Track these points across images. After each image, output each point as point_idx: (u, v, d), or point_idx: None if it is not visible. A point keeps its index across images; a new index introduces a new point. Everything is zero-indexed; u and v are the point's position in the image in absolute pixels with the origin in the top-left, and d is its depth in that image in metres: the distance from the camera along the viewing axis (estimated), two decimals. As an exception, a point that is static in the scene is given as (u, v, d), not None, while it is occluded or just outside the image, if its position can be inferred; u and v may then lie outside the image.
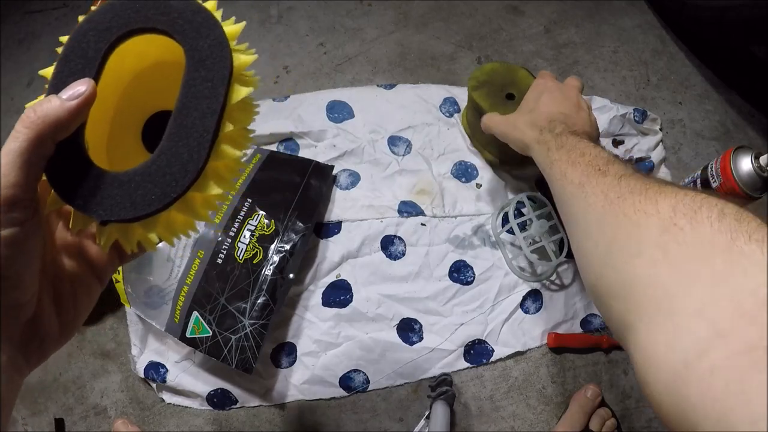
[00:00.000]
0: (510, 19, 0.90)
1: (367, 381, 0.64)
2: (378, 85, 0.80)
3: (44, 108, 0.23)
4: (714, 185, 0.57)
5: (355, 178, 0.72)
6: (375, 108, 0.77)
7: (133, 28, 0.26)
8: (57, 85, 0.26)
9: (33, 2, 0.99)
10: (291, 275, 0.63)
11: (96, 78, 0.26)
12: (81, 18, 0.27)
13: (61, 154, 0.25)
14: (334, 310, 0.66)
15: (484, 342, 0.65)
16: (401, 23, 0.90)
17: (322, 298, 0.66)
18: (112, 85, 0.29)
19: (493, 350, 0.65)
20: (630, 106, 0.79)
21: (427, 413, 0.60)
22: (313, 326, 0.65)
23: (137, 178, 0.24)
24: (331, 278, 0.67)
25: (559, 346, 0.65)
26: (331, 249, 0.68)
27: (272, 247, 0.63)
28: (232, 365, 0.59)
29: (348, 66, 0.86)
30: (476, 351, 0.65)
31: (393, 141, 0.75)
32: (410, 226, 0.69)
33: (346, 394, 0.64)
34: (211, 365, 0.64)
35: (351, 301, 0.66)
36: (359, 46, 0.88)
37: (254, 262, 0.62)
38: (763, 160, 0.54)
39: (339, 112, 0.76)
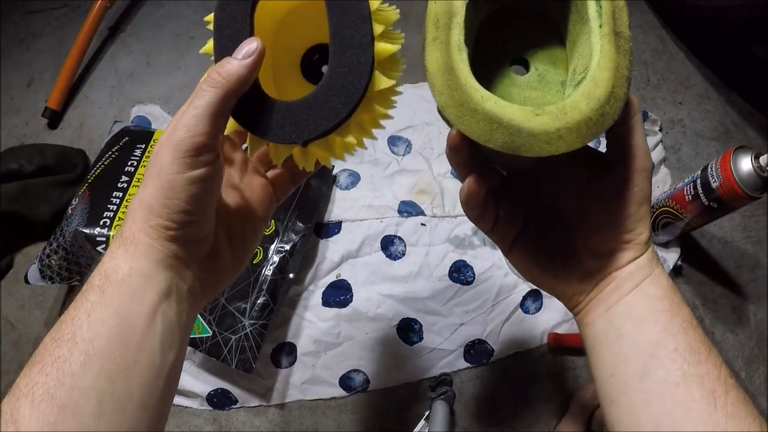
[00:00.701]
0: (510, 19, 0.90)
1: (367, 381, 0.64)
2: (378, 85, 0.80)
3: (227, 68, 0.26)
4: (714, 185, 0.57)
5: (355, 178, 0.72)
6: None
7: None
8: (221, 52, 0.29)
9: (33, 2, 0.99)
10: (291, 275, 0.63)
11: (251, 34, 0.29)
12: None
13: (245, 97, 0.28)
14: (334, 310, 0.66)
15: (484, 342, 0.65)
16: (401, 23, 0.90)
17: (322, 298, 0.66)
18: (265, 30, 0.31)
19: (493, 350, 0.65)
20: (630, 106, 0.79)
21: (427, 413, 0.60)
22: (313, 326, 0.65)
23: (312, 103, 0.28)
24: (331, 278, 0.67)
25: (559, 346, 0.65)
26: (331, 249, 0.68)
27: (272, 247, 0.63)
28: (232, 365, 0.59)
29: None
30: (476, 351, 0.65)
31: (393, 141, 0.75)
32: (410, 226, 0.69)
33: (346, 394, 0.64)
34: (211, 365, 0.64)
35: (351, 301, 0.66)
36: (359, 46, 0.88)
37: (254, 262, 0.62)
38: (763, 160, 0.54)
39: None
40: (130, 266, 0.26)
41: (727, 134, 0.81)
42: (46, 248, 0.64)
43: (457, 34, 0.28)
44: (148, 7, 0.97)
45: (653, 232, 0.69)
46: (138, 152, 0.69)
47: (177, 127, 0.26)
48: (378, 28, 0.29)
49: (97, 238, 0.61)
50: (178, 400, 0.65)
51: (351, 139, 0.29)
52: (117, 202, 0.64)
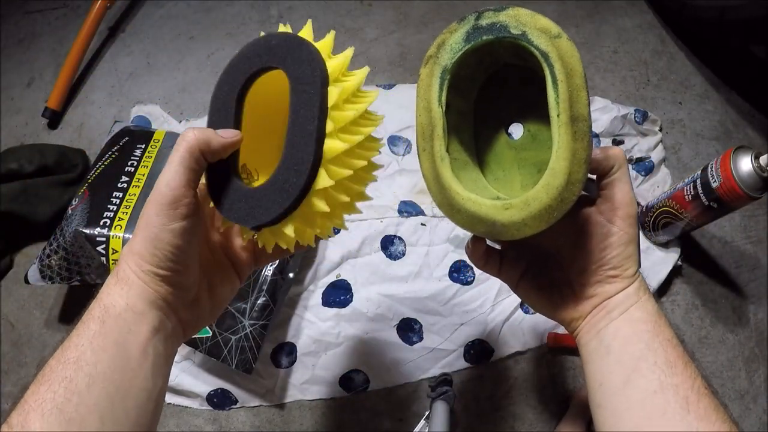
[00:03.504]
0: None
1: (367, 381, 0.64)
2: (378, 85, 0.80)
3: (201, 134, 0.30)
4: (714, 185, 0.57)
5: (355, 178, 0.72)
6: (375, 108, 0.76)
7: (254, 71, 0.32)
8: (210, 125, 0.33)
9: (33, 2, 0.99)
10: (291, 275, 0.63)
11: (237, 122, 0.33)
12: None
13: (216, 173, 0.32)
14: (334, 310, 0.66)
15: (484, 342, 0.65)
16: (401, 23, 0.90)
17: (322, 298, 0.66)
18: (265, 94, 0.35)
19: (493, 350, 0.65)
20: (631, 106, 0.79)
21: (427, 413, 0.60)
22: (313, 326, 0.65)
23: (263, 193, 0.30)
24: (331, 278, 0.67)
25: (559, 346, 0.65)
26: (331, 249, 0.68)
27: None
28: (232, 365, 0.59)
29: (348, 66, 0.86)
30: (476, 351, 0.65)
31: (393, 141, 0.75)
32: (410, 226, 0.69)
33: (346, 394, 0.64)
34: (211, 365, 0.64)
35: (351, 301, 0.66)
36: (359, 46, 0.88)
37: (254, 262, 0.62)
38: (763, 160, 0.54)
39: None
40: (126, 303, 0.29)
41: (727, 134, 0.81)
42: (46, 248, 0.64)
43: (438, 145, 0.33)
44: (148, 7, 0.97)
45: (653, 232, 0.69)
46: (138, 152, 0.69)
47: (158, 185, 0.29)
48: (330, 126, 0.29)
49: (97, 238, 0.61)
50: (178, 400, 0.65)
51: (290, 232, 0.30)
52: (117, 203, 0.64)
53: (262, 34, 0.34)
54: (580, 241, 0.35)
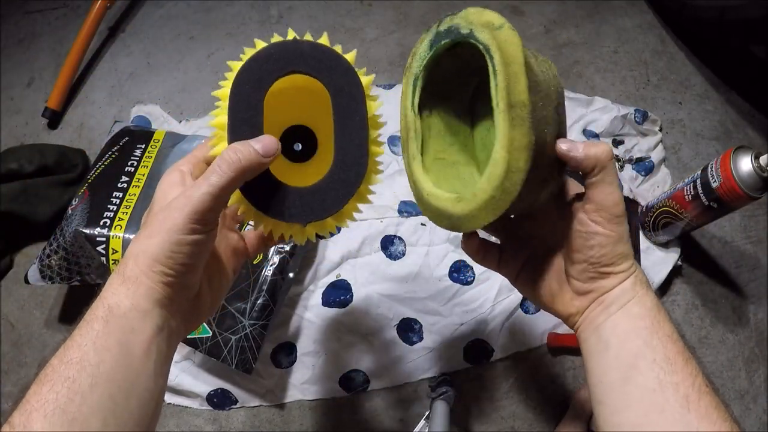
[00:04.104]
0: (510, 19, 0.90)
1: (367, 381, 0.64)
2: (378, 85, 0.80)
3: (246, 155, 0.30)
4: (714, 185, 0.57)
5: (355, 178, 0.72)
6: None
7: (283, 73, 0.34)
8: (236, 131, 0.33)
9: (33, 2, 0.99)
10: (291, 275, 0.63)
11: (261, 123, 0.34)
12: (234, 70, 0.34)
13: (256, 177, 0.33)
14: (334, 310, 0.66)
15: (484, 342, 0.65)
16: (401, 23, 0.90)
17: (322, 298, 0.66)
18: None
19: (493, 350, 0.65)
20: (631, 106, 0.79)
21: (427, 413, 0.60)
22: (313, 326, 0.65)
23: (319, 191, 0.34)
24: (331, 278, 0.67)
25: (559, 346, 0.65)
26: (331, 249, 0.68)
27: (272, 247, 0.63)
28: (232, 365, 0.59)
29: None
30: (476, 351, 0.65)
31: (393, 141, 0.75)
32: (410, 226, 0.69)
33: (346, 394, 0.64)
34: (211, 365, 0.64)
35: (351, 301, 0.66)
36: (359, 46, 0.88)
37: (254, 262, 0.62)
38: (763, 160, 0.54)
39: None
40: (131, 303, 0.30)
41: (727, 134, 0.81)
42: (46, 248, 0.64)
43: (413, 147, 0.37)
44: (148, 7, 0.97)
45: (653, 232, 0.69)
46: (138, 152, 0.69)
47: (192, 198, 0.30)
48: (373, 134, 0.35)
49: (97, 238, 0.61)
50: (178, 400, 0.65)
51: (343, 221, 0.36)
52: (117, 202, 0.64)
53: (293, 36, 0.35)
54: (570, 237, 0.35)
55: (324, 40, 0.35)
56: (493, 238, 0.41)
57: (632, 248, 0.35)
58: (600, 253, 0.33)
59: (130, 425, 0.28)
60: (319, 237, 0.38)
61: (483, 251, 0.38)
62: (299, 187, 0.34)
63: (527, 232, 0.39)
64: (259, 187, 0.33)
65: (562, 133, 0.33)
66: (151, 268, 0.30)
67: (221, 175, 0.30)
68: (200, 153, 0.36)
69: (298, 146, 0.37)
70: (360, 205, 0.37)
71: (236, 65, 0.34)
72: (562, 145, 0.32)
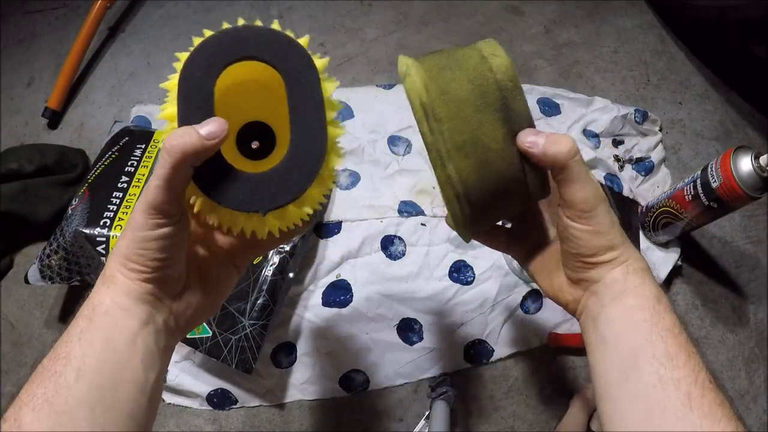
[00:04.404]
0: (510, 19, 0.90)
1: (367, 381, 0.64)
2: (378, 85, 0.80)
3: (187, 140, 0.29)
4: (714, 185, 0.57)
5: (355, 178, 0.72)
6: (375, 108, 0.77)
7: (235, 58, 0.32)
8: (185, 118, 0.31)
9: (33, 2, 0.99)
10: (291, 275, 0.63)
11: (212, 108, 0.32)
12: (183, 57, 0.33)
13: (208, 164, 0.31)
14: (334, 310, 0.66)
15: (484, 342, 0.65)
16: (401, 23, 0.90)
17: (322, 298, 0.66)
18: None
19: (493, 350, 0.65)
20: (631, 106, 0.79)
21: (427, 413, 0.60)
22: (313, 326, 0.65)
23: (274, 177, 0.31)
24: (331, 278, 0.67)
25: (559, 346, 0.65)
26: (331, 249, 0.68)
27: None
28: (232, 365, 0.59)
29: (348, 66, 0.86)
30: (476, 351, 0.65)
31: (393, 141, 0.75)
32: (410, 226, 0.69)
33: (346, 394, 0.64)
34: (211, 365, 0.64)
35: (351, 301, 0.66)
36: (359, 46, 0.88)
37: (254, 262, 0.62)
38: (763, 160, 0.54)
39: (339, 112, 0.76)
40: (112, 300, 0.30)
41: (727, 134, 0.81)
42: (46, 248, 0.64)
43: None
44: (148, 7, 0.97)
45: (653, 232, 0.69)
46: (138, 152, 0.69)
47: (146, 192, 0.29)
48: (330, 115, 0.33)
49: (97, 239, 0.61)
50: (178, 400, 0.65)
51: (306, 211, 0.34)
52: (117, 203, 0.64)
53: (241, 22, 0.34)
54: (558, 231, 0.35)
55: (275, 25, 0.34)
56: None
57: (622, 236, 0.33)
58: (578, 245, 0.33)
59: (120, 417, 0.28)
60: (283, 234, 0.36)
61: (488, 235, 0.40)
62: (256, 173, 0.31)
63: (533, 217, 0.39)
64: (211, 175, 0.31)
65: (520, 124, 0.32)
66: (124, 266, 0.30)
67: (164, 165, 0.29)
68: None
69: (256, 144, 0.36)
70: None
71: (184, 55, 0.32)
72: (524, 139, 0.31)
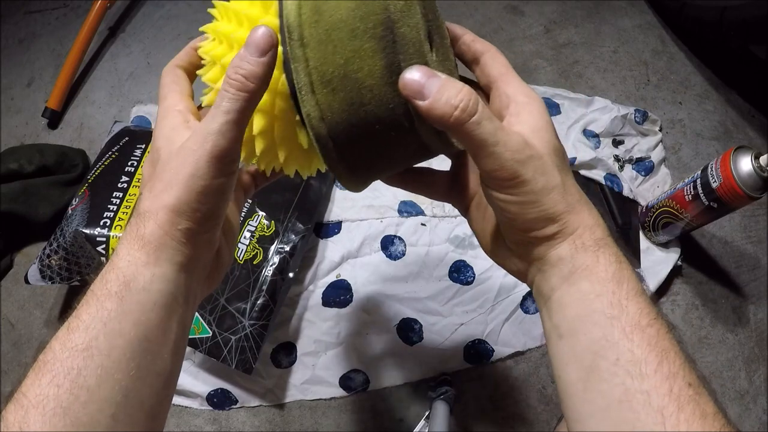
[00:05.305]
0: (510, 19, 0.90)
1: (367, 381, 0.64)
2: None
3: (248, 70, 0.24)
4: (714, 185, 0.57)
5: (355, 178, 0.72)
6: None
7: None
8: None
9: (33, 2, 0.99)
10: (291, 275, 0.63)
11: None
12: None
13: None
14: (334, 310, 0.66)
15: (484, 342, 0.65)
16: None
17: (322, 298, 0.66)
18: None
19: (493, 350, 0.65)
20: (631, 106, 0.79)
21: (427, 413, 0.60)
22: (313, 326, 0.65)
23: None
24: (331, 278, 0.67)
25: (559, 346, 0.65)
26: (331, 249, 0.68)
27: (272, 248, 0.63)
28: (232, 365, 0.59)
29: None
30: (476, 351, 0.65)
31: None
32: (410, 226, 0.69)
33: (346, 394, 0.64)
34: (211, 365, 0.64)
35: (351, 301, 0.66)
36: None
37: (254, 262, 0.62)
38: (763, 160, 0.54)
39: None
40: (153, 272, 0.25)
41: (727, 134, 0.81)
42: (46, 248, 0.64)
43: None
44: (148, 7, 0.97)
45: (653, 232, 0.69)
46: (138, 152, 0.69)
47: (209, 134, 0.25)
48: None
49: (97, 239, 0.61)
50: (178, 400, 0.65)
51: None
52: (117, 203, 0.64)
53: None
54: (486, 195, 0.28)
55: None
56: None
57: (566, 200, 0.26)
58: (506, 218, 0.26)
59: (141, 417, 0.24)
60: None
61: (418, 182, 0.33)
62: None
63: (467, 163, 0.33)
64: None
65: (407, 58, 0.24)
66: (175, 225, 0.25)
67: (236, 99, 0.24)
68: (182, 83, 0.31)
69: None
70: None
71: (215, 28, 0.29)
72: (406, 80, 0.23)
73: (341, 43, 0.24)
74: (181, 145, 0.25)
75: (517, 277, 0.30)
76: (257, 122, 0.27)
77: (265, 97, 0.26)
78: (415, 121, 0.25)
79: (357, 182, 0.29)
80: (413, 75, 0.23)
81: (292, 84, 0.25)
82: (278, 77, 0.26)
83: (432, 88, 0.23)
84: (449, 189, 0.33)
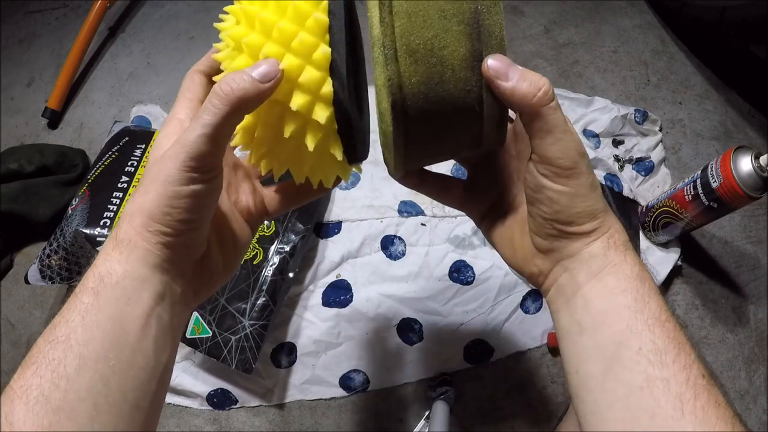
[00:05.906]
0: (510, 19, 0.90)
1: (367, 381, 0.64)
2: (378, 85, 0.80)
3: (240, 84, 0.25)
4: (714, 185, 0.57)
5: (355, 178, 0.72)
6: (374, 108, 0.76)
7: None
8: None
9: (33, 2, 0.99)
10: (291, 275, 0.63)
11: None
12: None
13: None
14: (334, 310, 0.66)
15: (484, 342, 0.65)
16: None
17: (322, 298, 0.66)
18: None
19: (493, 350, 0.65)
20: (631, 106, 0.79)
21: (427, 413, 0.60)
22: (313, 326, 0.65)
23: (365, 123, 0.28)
24: (331, 278, 0.67)
25: (559, 346, 0.65)
26: (331, 249, 0.68)
27: (272, 248, 0.63)
28: (232, 365, 0.59)
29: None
30: (476, 351, 0.65)
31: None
32: (410, 226, 0.69)
33: (346, 394, 0.64)
34: (211, 365, 0.64)
35: (351, 301, 0.66)
36: (359, 46, 0.88)
37: (254, 263, 0.62)
38: (763, 160, 0.54)
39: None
40: (125, 269, 0.26)
41: (727, 134, 0.81)
42: (46, 248, 0.64)
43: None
44: (148, 7, 0.97)
45: (653, 232, 0.69)
46: (138, 152, 0.69)
47: (185, 143, 0.26)
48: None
49: (97, 239, 0.61)
50: (178, 400, 0.65)
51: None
52: (117, 203, 0.64)
53: None
54: (522, 187, 0.29)
55: None
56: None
57: (604, 201, 0.28)
58: (552, 210, 0.27)
59: (125, 409, 0.25)
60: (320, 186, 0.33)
61: (438, 186, 0.34)
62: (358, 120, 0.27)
63: (495, 168, 0.33)
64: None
65: (489, 46, 0.26)
66: (146, 227, 0.26)
67: (215, 112, 0.25)
68: (196, 89, 0.32)
69: None
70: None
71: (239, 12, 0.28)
72: (491, 64, 0.25)
73: (431, 19, 0.25)
74: (164, 152, 0.27)
75: (532, 281, 0.32)
76: (288, 128, 0.27)
77: (303, 100, 0.26)
78: (485, 107, 0.26)
79: (406, 161, 0.29)
80: (498, 60, 0.25)
81: (377, 50, 0.25)
82: (322, 79, 0.26)
83: (515, 72, 0.25)
84: (465, 197, 0.34)
